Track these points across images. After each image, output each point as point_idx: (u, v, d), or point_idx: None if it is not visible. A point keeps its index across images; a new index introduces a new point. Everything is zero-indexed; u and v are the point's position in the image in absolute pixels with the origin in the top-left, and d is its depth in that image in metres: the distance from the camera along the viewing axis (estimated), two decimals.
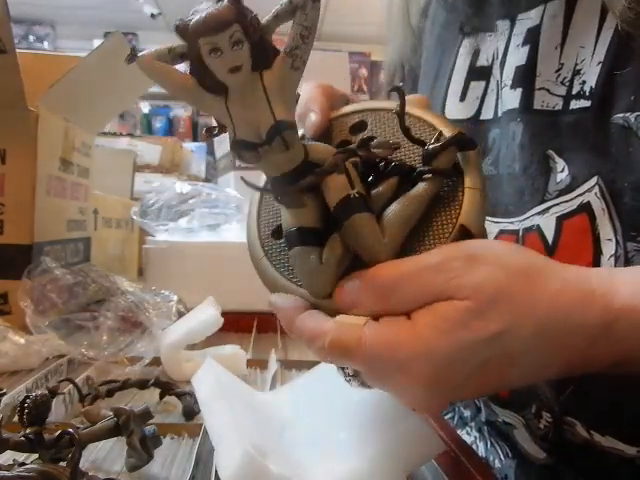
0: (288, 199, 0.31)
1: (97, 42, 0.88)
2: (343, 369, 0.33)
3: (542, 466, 0.48)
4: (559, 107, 0.44)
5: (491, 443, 0.53)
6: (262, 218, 0.38)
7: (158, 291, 0.69)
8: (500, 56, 0.50)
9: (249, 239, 0.38)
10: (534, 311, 0.29)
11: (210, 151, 2.68)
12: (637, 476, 0.42)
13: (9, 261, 0.67)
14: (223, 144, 1.18)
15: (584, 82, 0.43)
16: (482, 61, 0.53)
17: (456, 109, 0.54)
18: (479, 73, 0.53)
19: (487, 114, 0.51)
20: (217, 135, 0.31)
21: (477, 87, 0.53)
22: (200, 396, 0.40)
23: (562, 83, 0.44)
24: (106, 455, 0.39)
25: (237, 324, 0.77)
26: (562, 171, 0.44)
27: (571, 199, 0.43)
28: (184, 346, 0.58)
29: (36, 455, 0.33)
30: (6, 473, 0.29)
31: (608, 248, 0.41)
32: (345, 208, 0.30)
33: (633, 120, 0.39)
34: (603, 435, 0.43)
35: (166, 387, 0.50)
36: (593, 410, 0.44)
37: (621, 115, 0.40)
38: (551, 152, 0.45)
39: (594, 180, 0.42)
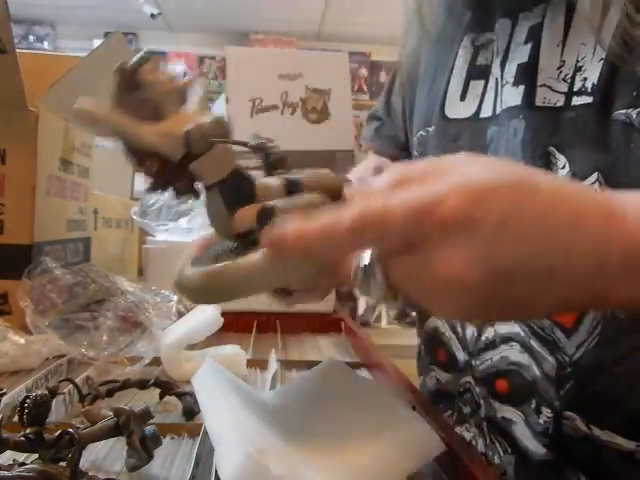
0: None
1: (97, 42, 0.88)
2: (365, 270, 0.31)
3: (542, 462, 0.48)
4: (560, 104, 0.44)
5: (490, 439, 0.53)
6: None
7: (158, 291, 0.69)
8: (501, 54, 0.51)
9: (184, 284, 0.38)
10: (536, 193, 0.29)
11: None
12: (636, 470, 0.42)
13: (9, 261, 0.67)
14: None
15: (585, 79, 0.43)
16: (481, 60, 0.54)
17: (456, 108, 0.55)
18: (479, 72, 0.53)
19: (486, 112, 0.52)
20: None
21: (477, 86, 0.53)
22: (200, 396, 0.40)
23: (564, 80, 0.44)
24: (106, 455, 0.39)
25: (237, 324, 0.77)
26: (563, 167, 0.44)
27: None
28: (184, 346, 0.58)
29: (36, 455, 0.33)
30: (6, 473, 0.29)
31: None
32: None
33: (635, 116, 0.40)
34: (602, 429, 0.43)
35: (166, 387, 0.50)
36: (593, 404, 0.44)
37: (623, 111, 0.40)
38: (552, 149, 0.45)
39: (594, 176, 0.42)
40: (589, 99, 0.43)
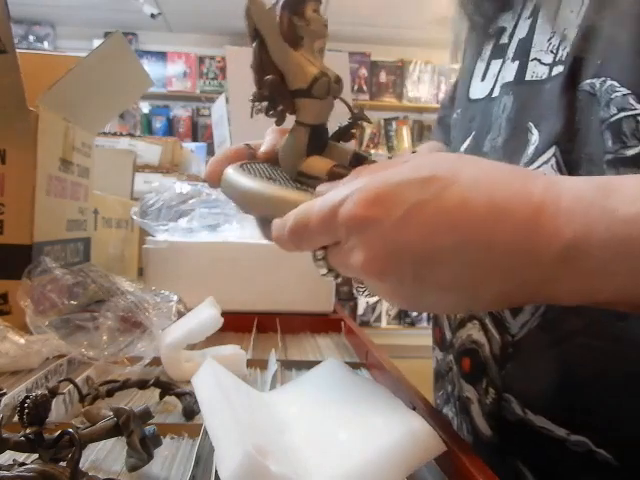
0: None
1: (97, 42, 0.88)
2: (315, 256, 0.36)
3: (489, 444, 0.47)
4: (545, 76, 0.43)
5: (458, 419, 0.53)
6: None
7: (158, 291, 0.69)
8: (510, 31, 0.50)
9: (230, 181, 0.43)
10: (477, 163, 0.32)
11: (210, 151, 2.68)
12: (567, 457, 0.40)
13: (9, 261, 0.67)
14: (223, 144, 1.18)
15: (565, 47, 0.42)
16: (503, 39, 0.51)
17: (477, 89, 0.54)
18: (499, 51, 0.52)
19: (497, 91, 0.50)
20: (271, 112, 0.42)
21: (495, 65, 0.52)
22: (200, 396, 0.40)
23: (551, 51, 0.43)
24: (106, 455, 0.39)
25: (237, 324, 0.77)
26: (534, 143, 0.43)
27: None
28: (184, 346, 0.58)
29: (36, 455, 0.33)
30: (6, 473, 0.29)
31: None
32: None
33: (598, 86, 0.38)
34: (536, 414, 0.42)
35: (166, 387, 0.50)
36: (529, 388, 0.43)
37: (589, 81, 0.39)
38: (530, 124, 0.44)
39: (552, 151, 0.41)
40: (561, 68, 0.41)
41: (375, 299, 3.43)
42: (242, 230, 0.88)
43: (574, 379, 0.40)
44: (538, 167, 0.41)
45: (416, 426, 0.32)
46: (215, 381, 0.39)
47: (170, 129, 4.32)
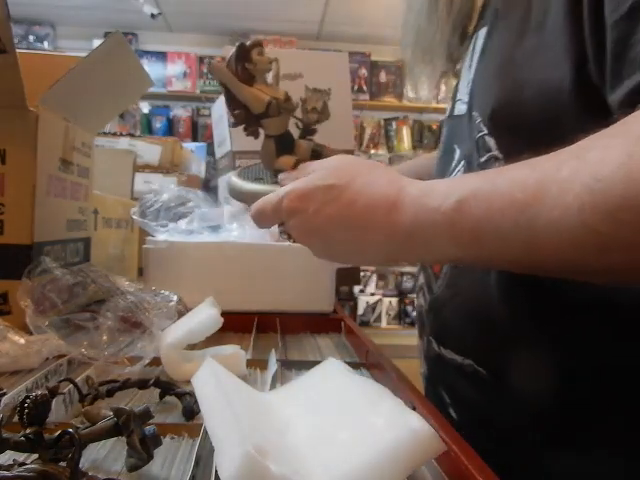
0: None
1: (97, 42, 0.88)
2: (278, 228, 0.54)
3: (425, 379, 0.66)
4: (463, 112, 0.59)
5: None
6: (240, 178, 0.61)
7: (158, 291, 0.69)
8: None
9: (234, 187, 0.60)
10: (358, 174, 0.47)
11: (210, 151, 2.68)
12: (461, 377, 0.57)
13: (9, 261, 0.67)
14: (223, 144, 1.18)
15: (468, 81, 0.59)
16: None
17: (449, 106, 0.67)
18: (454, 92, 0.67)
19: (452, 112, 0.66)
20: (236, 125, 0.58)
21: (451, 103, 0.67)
22: (200, 396, 0.40)
23: (466, 94, 0.59)
24: (106, 455, 0.39)
25: (237, 324, 0.77)
26: (456, 158, 0.60)
27: None
28: (184, 346, 0.58)
29: (36, 455, 0.33)
30: (6, 473, 0.29)
31: None
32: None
33: (474, 117, 0.55)
34: (446, 349, 0.59)
35: (166, 387, 0.50)
36: (441, 330, 0.61)
37: (473, 113, 0.55)
38: (455, 146, 0.61)
39: (462, 163, 0.59)
40: (464, 107, 0.59)
41: (375, 299, 3.72)
42: (242, 230, 0.88)
43: (466, 322, 0.57)
44: (457, 173, 0.59)
45: (416, 426, 0.32)
46: (215, 381, 0.39)
47: (170, 129, 4.32)
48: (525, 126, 0.48)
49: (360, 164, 0.50)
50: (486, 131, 0.52)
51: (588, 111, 0.43)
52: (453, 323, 0.58)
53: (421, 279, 0.66)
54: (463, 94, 0.59)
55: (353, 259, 0.53)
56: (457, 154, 0.59)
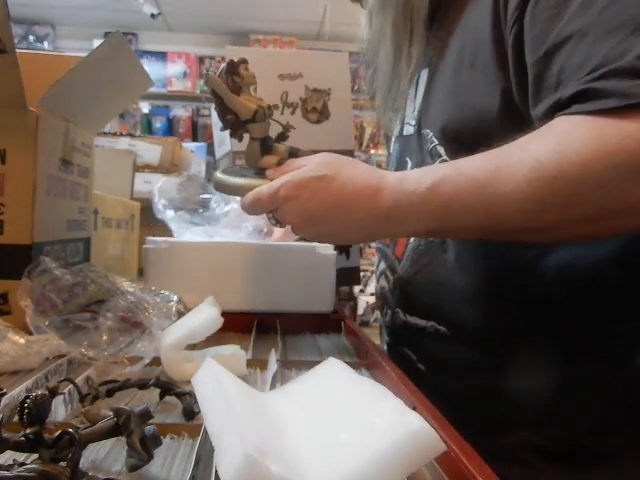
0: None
1: (97, 42, 0.87)
2: (267, 215, 0.63)
3: (388, 347, 0.80)
4: (411, 132, 0.74)
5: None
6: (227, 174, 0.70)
7: (158, 291, 0.69)
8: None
9: (220, 182, 0.69)
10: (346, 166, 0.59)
11: (210, 151, 2.68)
12: (424, 336, 0.70)
13: (9, 261, 0.67)
14: (223, 144, 1.18)
15: (415, 115, 0.74)
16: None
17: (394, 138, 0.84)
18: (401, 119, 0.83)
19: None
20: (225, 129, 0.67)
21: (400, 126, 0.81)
22: (200, 396, 0.40)
23: (413, 118, 0.74)
24: (106, 455, 0.39)
25: (237, 324, 0.77)
26: (408, 169, 0.74)
27: None
28: (184, 346, 0.58)
29: (36, 455, 0.33)
30: (6, 473, 0.29)
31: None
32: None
33: (424, 133, 0.70)
34: (412, 315, 0.73)
35: (166, 387, 0.50)
36: (407, 301, 0.74)
37: (423, 131, 0.70)
38: (407, 159, 0.76)
39: (415, 169, 0.69)
40: (413, 128, 0.74)
41: (373, 300, 3.57)
42: (238, 231, 0.89)
43: (429, 292, 0.70)
44: None
45: (416, 426, 0.32)
46: (215, 381, 0.39)
47: (170, 129, 4.32)
48: (467, 137, 0.62)
49: (343, 159, 0.61)
50: (437, 142, 0.68)
51: (511, 124, 0.56)
52: (417, 295, 0.72)
53: (382, 265, 0.80)
54: (410, 118, 0.76)
55: (338, 238, 0.61)
56: (409, 165, 0.75)
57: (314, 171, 0.58)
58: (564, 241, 0.58)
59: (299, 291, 0.85)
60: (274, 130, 0.68)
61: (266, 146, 0.67)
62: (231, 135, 0.68)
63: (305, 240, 0.96)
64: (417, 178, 0.55)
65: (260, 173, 0.65)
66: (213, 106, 0.70)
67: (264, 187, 0.61)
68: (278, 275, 0.84)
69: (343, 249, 1.06)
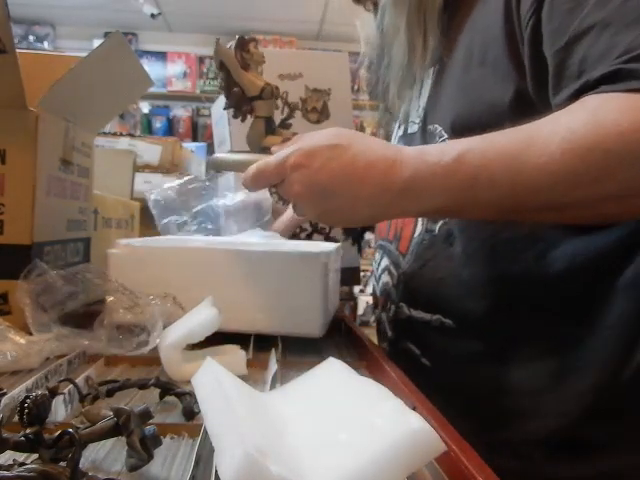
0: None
1: (97, 42, 0.87)
2: (270, 190, 0.68)
3: (390, 341, 0.79)
4: (415, 130, 0.75)
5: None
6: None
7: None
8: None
9: (220, 160, 0.71)
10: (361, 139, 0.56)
11: (210, 151, 2.68)
12: (429, 330, 0.70)
13: (9, 261, 0.67)
14: (223, 144, 1.18)
15: (420, 114, 0.75)
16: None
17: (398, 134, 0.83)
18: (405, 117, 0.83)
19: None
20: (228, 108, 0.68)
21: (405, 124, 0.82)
22: (200, 396, 0.40)
23: (417, 117, 0.75)
24: (106, 455, 0.39)
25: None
26: None
27: None
28: (184, 346, 0.58)
29: (36, 455, 0.33)
30: (6, 473, 0.29)
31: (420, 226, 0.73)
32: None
33: (432, 128, 0.70)
34: (416, 309, 0.72)
35: (166, 387, 0.50)
36: (411, 296, 0.73)
37: (429, 126, 0.71)
38: None
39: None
40: (418, 126, 0.74)
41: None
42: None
43: (434, 286, 0.69)
44: None
45: (416, 426, 0.32)
46: (215, 381, 0.39)
47: (170, 129, 4.32)
48: (477, 130, 0.60)
49: (355, 132, 0.58)
50: (446, 136, 0.67)
51: (522, 116, 0.55)
52: (422, 289, 0.71)
53: (385, 262, 0.81)
54: (414, 117, 0.76)
55: (344, 216, 0.57)
56: None
57: (326, 140, 0.55)
58: (584, 221, 0.57)
59: (279, 307, 0.69)
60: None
61: (270, 126, 0.65)
62: (234, 114, 0.66)
63: (307, 235, 0.94)
64: (438, 151, 0.53)
65: (263, 153, 0.64)
66: (213, 105, 0.70)
67: (270, 157, 0.58)
68: (258, 286, 0.69)
69: (350, 233, 1.03)
